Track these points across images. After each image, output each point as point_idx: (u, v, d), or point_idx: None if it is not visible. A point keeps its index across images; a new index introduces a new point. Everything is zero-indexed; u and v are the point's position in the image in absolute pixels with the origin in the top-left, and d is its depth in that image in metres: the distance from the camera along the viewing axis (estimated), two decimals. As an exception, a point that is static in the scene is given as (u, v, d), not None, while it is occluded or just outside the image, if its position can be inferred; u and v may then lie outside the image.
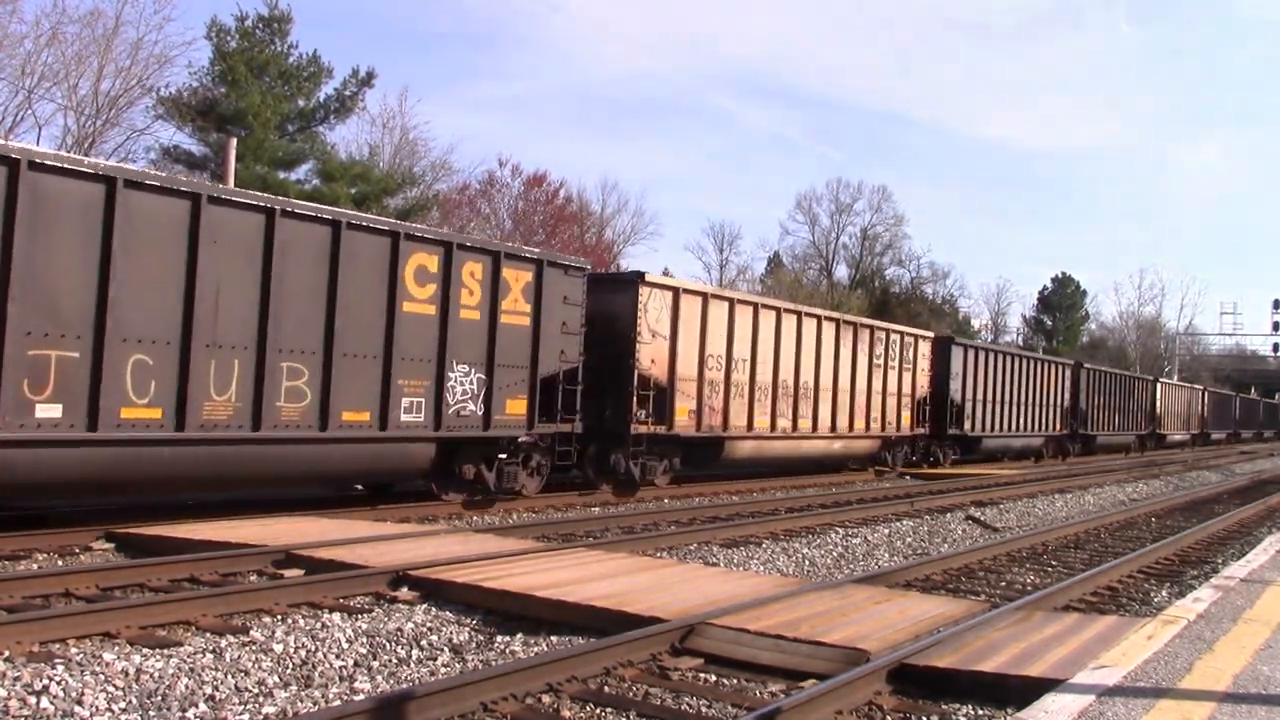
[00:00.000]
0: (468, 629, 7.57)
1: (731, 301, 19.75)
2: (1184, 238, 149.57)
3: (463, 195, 46.50)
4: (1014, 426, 32.41)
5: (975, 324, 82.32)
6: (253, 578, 9.08)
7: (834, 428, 22.69)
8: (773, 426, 20.65)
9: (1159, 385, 50.27)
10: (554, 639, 7.37)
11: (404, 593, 8.40)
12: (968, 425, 28.99)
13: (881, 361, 24.46)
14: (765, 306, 20.82)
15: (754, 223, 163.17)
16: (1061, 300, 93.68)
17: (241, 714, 5.61)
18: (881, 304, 64.92)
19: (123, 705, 5.53)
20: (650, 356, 17.31)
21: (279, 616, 7.51)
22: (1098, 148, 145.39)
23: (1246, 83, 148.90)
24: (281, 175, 33.67)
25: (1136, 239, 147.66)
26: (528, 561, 9.36)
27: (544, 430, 15.42)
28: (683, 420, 18.10)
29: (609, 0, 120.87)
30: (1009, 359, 32.75)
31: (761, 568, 11.46)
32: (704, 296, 18.92)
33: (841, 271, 75.36)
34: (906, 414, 25.81)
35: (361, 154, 39.07)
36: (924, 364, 26.62)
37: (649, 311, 17.27)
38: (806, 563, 12.10)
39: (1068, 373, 37.92)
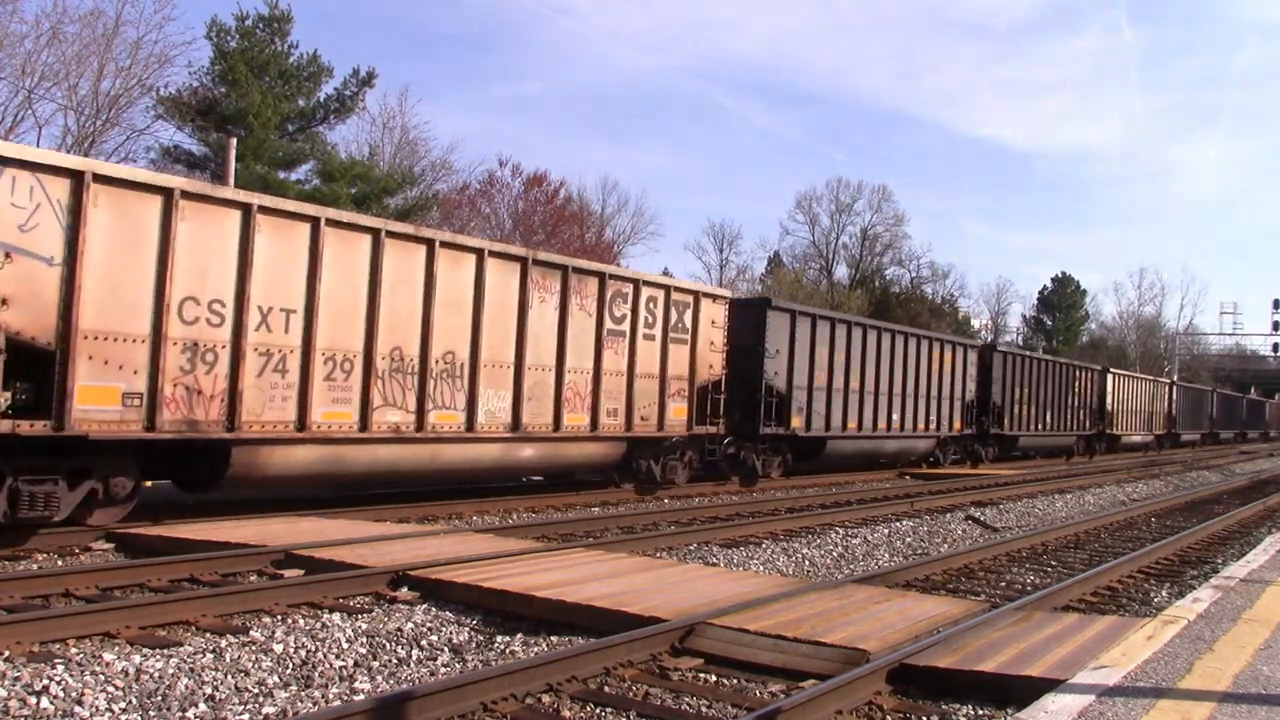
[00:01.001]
0: (468, 629, 7.57)
1: (248, 208, 11.71)
2: (1184, 238, 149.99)
3: (463, 195, 46.58)
4: (884, 424, 24.83)
5: (975, 324, 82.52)
6: (252, 578, 9.09)
7: (517, 425, 15.17)
8: (365, 423, 13.04)
9: (1109, 376, 42.47)
10: (554, 639, 7.37)
11: (404, 593, 8.41)
12: (798, 421, 21.50)
13: (626, 327, 17.15)
14: (340, 224, 12.84)
15: (754, 223, 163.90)
16: (1061, 300, 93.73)
17: (241, 714, 5.61)
18: (882, 303, 64.97)
19: (123, 705, 5.53)
20: None
21: (279, 616, 7.52)
22: (1098, 148, 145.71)
23: (1246, 83, 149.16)
24: (282, 175, 33.73)
25: (1137, 239, 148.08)
26: (528, 561, 9.36)
27: None
28: (105, 411, 10.42)
29: (610, 1, 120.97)
30: (875, 334, 24.72)
31: (761, 568, 11.46)
32: (168, 194, 10.91)
33: (841, 271, 75.59)
34: (679, 405, 18.27)
35: (362, 154, 39.16)
36: (715, 335, 19.16)
37: None
38: (806, 563, 12.10)
39: (973, 356, 29.98)
